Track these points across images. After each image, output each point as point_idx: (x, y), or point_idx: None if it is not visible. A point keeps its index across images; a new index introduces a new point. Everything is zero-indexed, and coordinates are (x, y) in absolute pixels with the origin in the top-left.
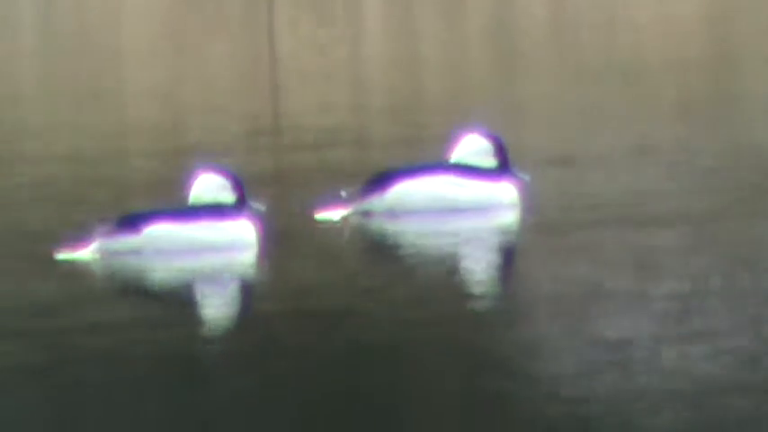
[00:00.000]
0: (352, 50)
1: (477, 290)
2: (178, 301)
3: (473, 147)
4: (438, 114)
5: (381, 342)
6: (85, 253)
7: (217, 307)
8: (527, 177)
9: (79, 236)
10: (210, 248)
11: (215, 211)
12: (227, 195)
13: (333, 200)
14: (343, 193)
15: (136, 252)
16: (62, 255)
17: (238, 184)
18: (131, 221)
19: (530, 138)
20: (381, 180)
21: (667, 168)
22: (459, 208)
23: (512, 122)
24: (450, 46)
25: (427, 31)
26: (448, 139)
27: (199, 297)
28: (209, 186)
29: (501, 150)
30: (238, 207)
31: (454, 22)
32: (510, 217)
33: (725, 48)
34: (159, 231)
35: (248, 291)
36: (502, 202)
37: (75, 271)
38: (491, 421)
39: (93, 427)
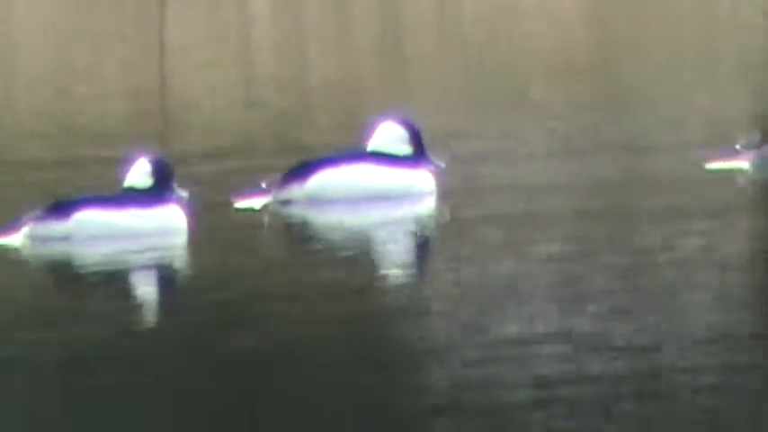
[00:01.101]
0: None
1: (390, 282)
2: (98, 290)
3: (389, 134)
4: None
5: (290, 338)
6: (15, 239)
7: (136, 296)
8: (442, 164)
9: (9, 222)
10: (139, 235)
11: (143, 197)
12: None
13: (253, 189)
14: (264, 183)
15: (65, 238)
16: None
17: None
18: (60, 208)
19: (430, 121)
20: (301, 169)
21: (578, 160)
22: (378, 196)
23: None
24: (337, 33)
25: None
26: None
27: (121, 286)
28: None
29: (417, 137)
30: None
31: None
32: (427, 205)
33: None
34: (88, 218)
35: (168, 280)
36: (419, 190)
37: (3, 258)
38: (382, 419)
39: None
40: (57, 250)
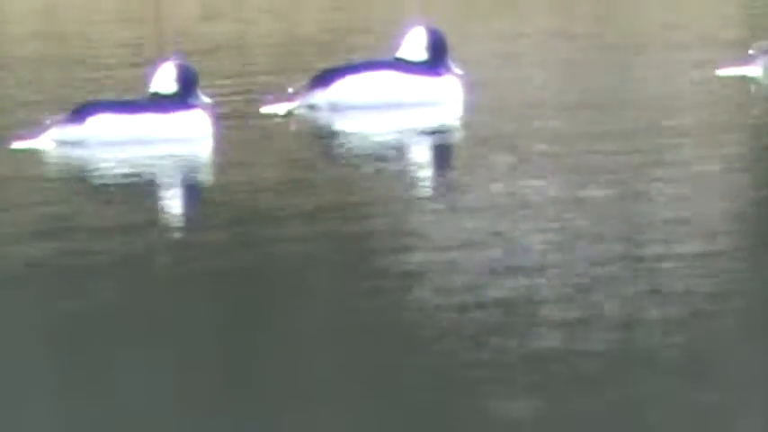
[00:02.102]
0: None
1: (408, 198)
2: (110, 198)
3: (417, 41)
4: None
5: (293, 252)
6: (40, 143)
7: (148, 207)
8: (460, 72)
9: (34, 126)
10: (160, 140)
11: (166, 102)
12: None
13: (279, 94)
14: (290, 88)
15: (82, 142)
16: (18, 144)
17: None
18: (79, 111)
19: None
20: (326, 76)
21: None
22: (402, 103)
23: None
24: None
25: None
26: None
27: (136, 194)
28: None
29: (439, 45)
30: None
31: None
32: (450, 113)
33: None
34: (104, 122)
35: (187, 189)
36: (443, 98)
37: (26, 161)
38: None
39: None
40: (77, 155)
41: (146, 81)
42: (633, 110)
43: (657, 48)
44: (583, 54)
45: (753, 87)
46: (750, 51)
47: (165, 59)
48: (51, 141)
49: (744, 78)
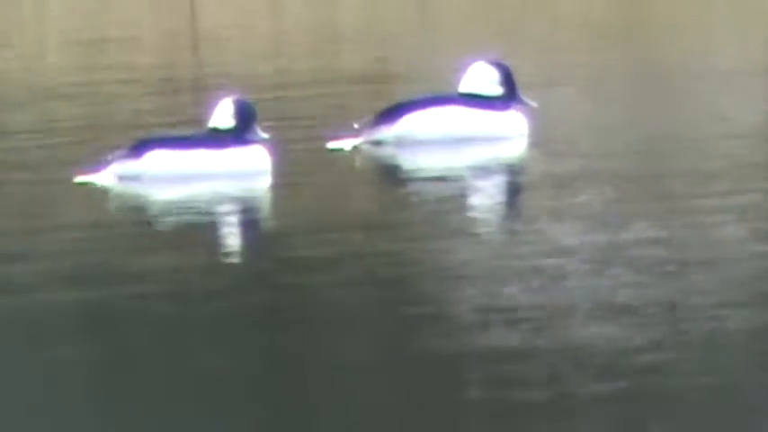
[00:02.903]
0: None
1: (477, 229)
2: (168, 236)
3: (481, 75)
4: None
5: (374, 277)
6: (102, 177)
7: (220, 236)
8: (534, 104)
9: (98, 161)
10: (217, 176)
11: (222, 138)
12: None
13: (345, 130)
14: (355, 124)
15: (139, 178)
16: (81, 179)
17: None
18: (137, 147)
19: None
20: (392, 111)
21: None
22: (468, 138)
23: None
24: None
25: None
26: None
27: (204, 226)
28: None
29: (508, 78)
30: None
31: None
32: (518, 147)
33: None
34: (161, 157)
35: (255, 221)
36: (510, 133)
37: (85, 196)
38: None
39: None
40: (136, 190)
41: (205, 116)
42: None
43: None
44: (645, 87)
45: None
46: None
47: (224, 95)
48: (112, 177)
49: None
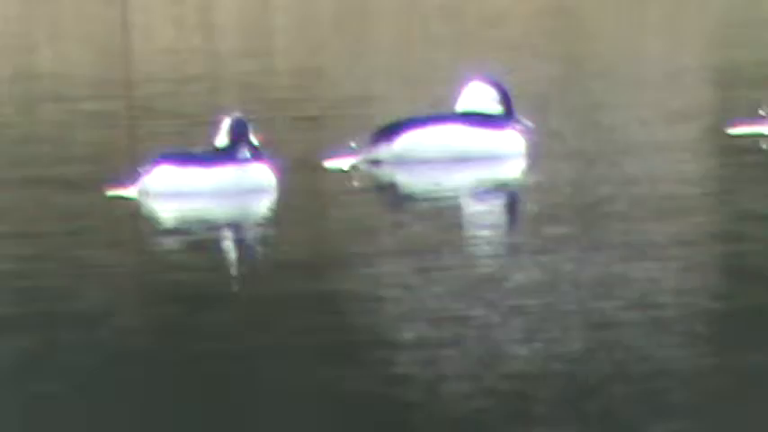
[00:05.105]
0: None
1: (476, 249)
2: (174, 250)
3: (478, 94)
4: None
5: (370, 292)
6: (132, 191)
7: (215, 261)
8: (530, 124)
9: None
10: (222, 193)
11: (218, 156)
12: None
13: (342, 149)
14: (353, 143)
15: (147, 194)
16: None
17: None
18: (151, 164)
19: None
20: (390, 130)
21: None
22: (467, 157)
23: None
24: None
25: None
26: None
27: (203, 248)
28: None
29: (506, 97)
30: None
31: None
32: (516, 167)
33: None
34: (167, 174)
35: (251, 242)
36: (509, 152)
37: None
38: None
39: None
40: (154, 205)
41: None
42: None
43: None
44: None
45: None
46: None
47: (225, 114)
48: (141, 191)
49: None
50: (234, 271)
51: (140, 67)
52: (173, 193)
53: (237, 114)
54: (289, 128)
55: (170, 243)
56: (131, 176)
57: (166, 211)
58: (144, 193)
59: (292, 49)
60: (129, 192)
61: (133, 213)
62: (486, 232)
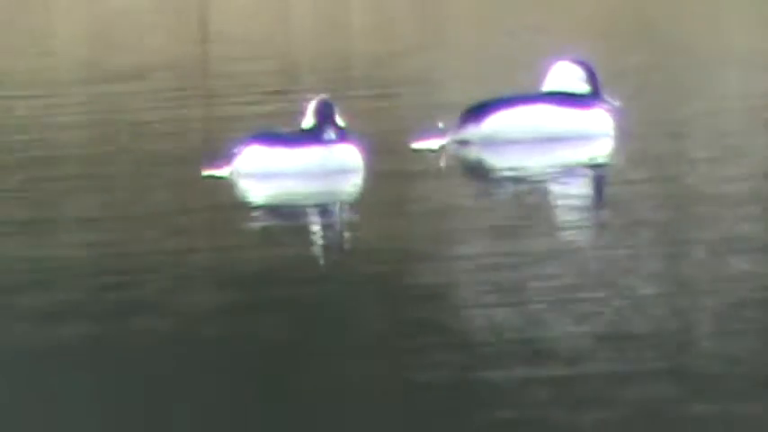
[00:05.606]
0: None
1: (565, 230)
2: (260, 229)
3: (566, 74)
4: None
5: (444, 280)
6: (226, 171)
7: (300, 240)
8: (617, 103)
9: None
10: (312, 174)
11: (306, 137)
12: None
13: (430, 130)
14: (441, 124)
15: (237, 174)
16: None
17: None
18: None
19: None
20: (478, 111)
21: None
22: (555, 137)
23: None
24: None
25: None
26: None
27: (287, 227)
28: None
29: (593, 76)
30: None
31: None
32: (606, 147)
33: None
34: (256, 155)
35: (336, 224)
36: (597, 131)
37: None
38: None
39: None
40: (245, 185)
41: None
42: None
43: None
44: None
45: None
46: None
47: (313, 97)
48: (236, 170)
49: None
50: (320, 254)
51: (217, 49)
52: (263, 173)
53: (323, 96)
54: (376, 108)
55: (258, 224)
56: (225, 156)
57: (256, 192)
58: (236, 173)
59: (371, 32)
60: (223, 172)
61: (225, 193)
62: (573, 214)
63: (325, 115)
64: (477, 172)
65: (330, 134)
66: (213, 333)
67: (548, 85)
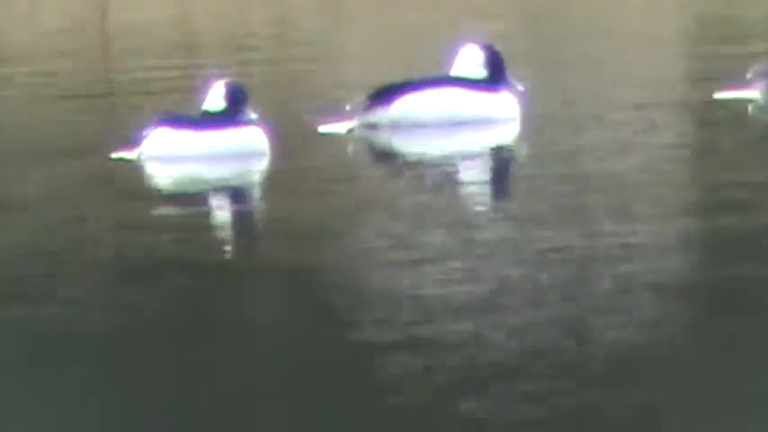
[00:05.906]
0: None
1: (471, 216)
2: (166, 212)
3: (472, 58)
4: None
5: (350, 264)
6: (134, 154)
7: (213, 218)
8: (523, 87)
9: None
10: (218, 157)
11: (217, 120)
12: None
13: (337, 112)
14: (348, 106)
15: (144, 158)
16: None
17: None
18: (144, 129)
19: None
20: (385, 93)
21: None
22: (462, 121)
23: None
24: None
25: None
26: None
27: (192, 212)
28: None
29: (498, 61)
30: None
31: None
32: (510, 130)
33: None
34: (164, 138)
35: (241, 209)
36: (504, 115)
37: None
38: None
39: None
40: (147, 169)
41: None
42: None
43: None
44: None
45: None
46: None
47: (217, 79)
48: (140, 154)
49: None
50: (226, 238)
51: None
52: (170, 156)
53: (233, 79)
54: (282, 91)
55: (162, 208)
56: (133, 140)
57: (162, 175)
58: (143, 156)
59: (274, 17)
60: (131, 155)
61: (131, 176)
62: (476, 199)
63: (237, 97)
64: (385, 155)
65: (249, 115)
66: (114, 322)
67: (455, 69)
